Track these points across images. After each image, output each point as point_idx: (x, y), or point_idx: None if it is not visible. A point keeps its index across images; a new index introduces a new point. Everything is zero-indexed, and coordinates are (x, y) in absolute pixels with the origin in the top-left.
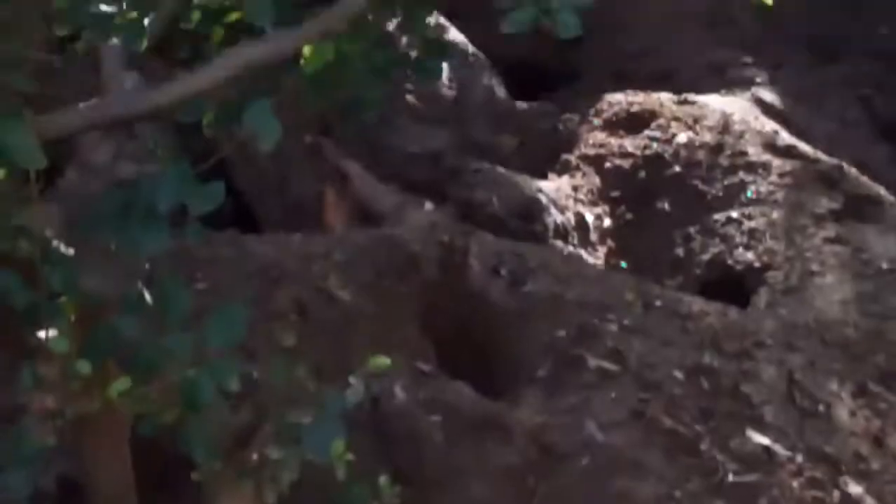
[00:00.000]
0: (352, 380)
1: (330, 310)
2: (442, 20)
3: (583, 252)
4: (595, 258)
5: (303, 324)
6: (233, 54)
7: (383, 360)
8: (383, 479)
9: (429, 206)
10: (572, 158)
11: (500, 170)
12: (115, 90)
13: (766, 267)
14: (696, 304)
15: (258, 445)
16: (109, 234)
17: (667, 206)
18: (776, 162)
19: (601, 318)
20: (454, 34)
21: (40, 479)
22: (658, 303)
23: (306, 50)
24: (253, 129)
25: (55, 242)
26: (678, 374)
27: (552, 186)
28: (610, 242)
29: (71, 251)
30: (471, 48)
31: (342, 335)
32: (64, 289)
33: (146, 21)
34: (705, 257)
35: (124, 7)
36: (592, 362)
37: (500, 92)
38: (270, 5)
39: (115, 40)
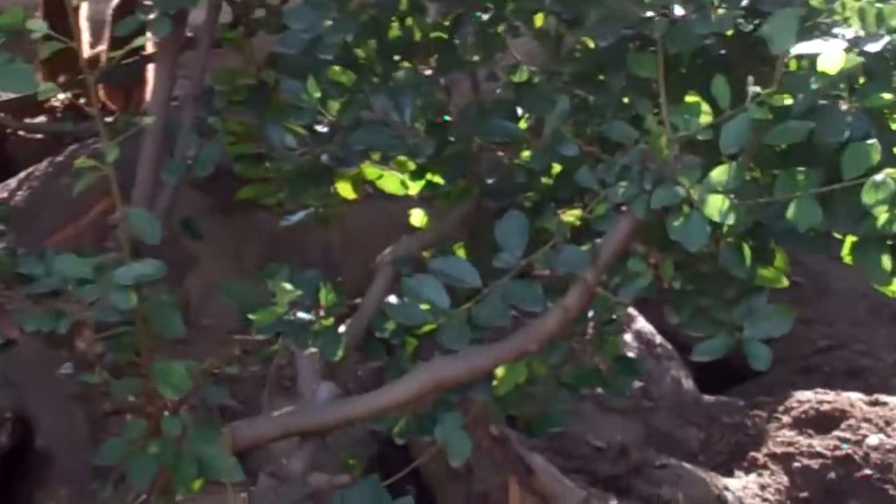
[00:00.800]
0: None
1: None
2: (630, 310)
3: None
4: None
5: None
6: (426, 370)
7: None
8: None
9: (613, 502)
10: (760, 456)
11: (686, 466)
12: (310, 399)
13: None
14: None
15: None
16: None
17: None
18: None
19: None
20: (641, 323)
21: None
22: None
23: (499, 370)
24: (444, 442)
25: None
26: None
27: (738, 485)
28: None
29: None
30: (658, 338)
31: None
32: None
33: (341, 329)
34: None
35: (321, 314)
36: None
37: (688, 384)
38: (466, 331)
39: (311, 349)
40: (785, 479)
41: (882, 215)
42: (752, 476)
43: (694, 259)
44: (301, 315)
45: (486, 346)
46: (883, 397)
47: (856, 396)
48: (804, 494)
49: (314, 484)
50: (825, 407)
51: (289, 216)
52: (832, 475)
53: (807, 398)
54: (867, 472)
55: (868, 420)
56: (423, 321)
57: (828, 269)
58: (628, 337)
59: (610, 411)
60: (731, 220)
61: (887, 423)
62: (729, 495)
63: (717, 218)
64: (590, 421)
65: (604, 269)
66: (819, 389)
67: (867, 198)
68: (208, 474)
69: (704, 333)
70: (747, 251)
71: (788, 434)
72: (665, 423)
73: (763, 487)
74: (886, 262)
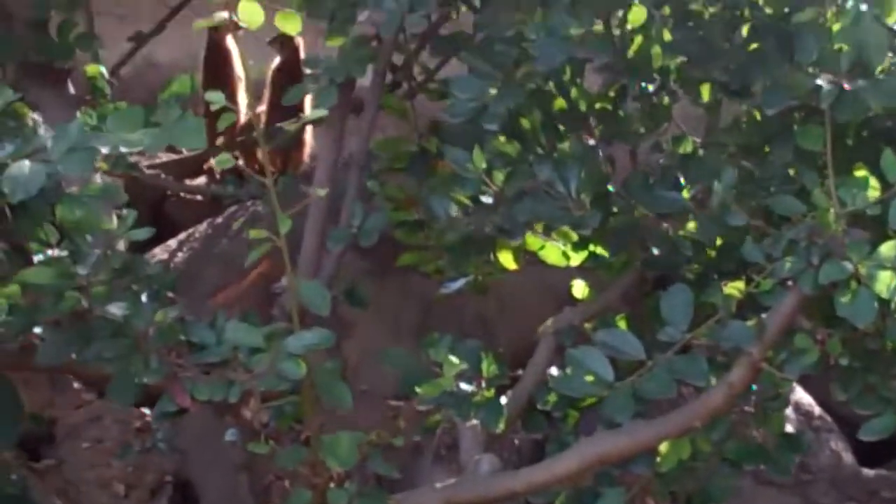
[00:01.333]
0: None
1: None
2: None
3: None
4: None
5: None
6: (589, 445)
7: None
8: None
9: None
10: None
11: None
12: (472, 471)
13: None
14: None
15: None
16: None
17: None
18: None
19: None
20: (800, 394)
21: None
22: None
23: (663, 446)
24: None
25: None
26: None
27: None
28: None
29: None
30: (817, 410)
31: None
32: None
33: (503, 400)
34: None
35: (483, 385)
36: None
37: (847, 457)
38: (631, 404)
39: (473, 420)
40: None
41: None
42: None
43: (861, 335)
44: (463, 386)
45: (650, 421)
46: None
47: None
48: None
49: None
50: None
51: (448, 283)
52: None
53: None
54: None
55: None
56: (587, 393)
57: None
58: (787, 409)
59: (767, 485)
60: None
61: None
62: None
63: (885, 294)
64: (747, 495)
65: (770, 344)
66: None
67: None
68: None
69: (872, 411)
70: None
71: None
72: (824, 496)
73: None
74: None
